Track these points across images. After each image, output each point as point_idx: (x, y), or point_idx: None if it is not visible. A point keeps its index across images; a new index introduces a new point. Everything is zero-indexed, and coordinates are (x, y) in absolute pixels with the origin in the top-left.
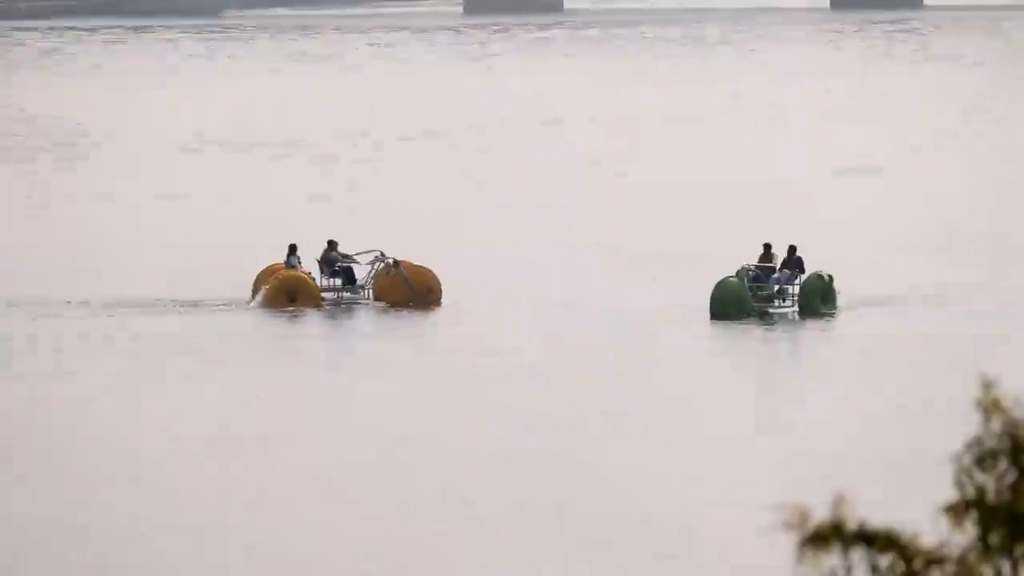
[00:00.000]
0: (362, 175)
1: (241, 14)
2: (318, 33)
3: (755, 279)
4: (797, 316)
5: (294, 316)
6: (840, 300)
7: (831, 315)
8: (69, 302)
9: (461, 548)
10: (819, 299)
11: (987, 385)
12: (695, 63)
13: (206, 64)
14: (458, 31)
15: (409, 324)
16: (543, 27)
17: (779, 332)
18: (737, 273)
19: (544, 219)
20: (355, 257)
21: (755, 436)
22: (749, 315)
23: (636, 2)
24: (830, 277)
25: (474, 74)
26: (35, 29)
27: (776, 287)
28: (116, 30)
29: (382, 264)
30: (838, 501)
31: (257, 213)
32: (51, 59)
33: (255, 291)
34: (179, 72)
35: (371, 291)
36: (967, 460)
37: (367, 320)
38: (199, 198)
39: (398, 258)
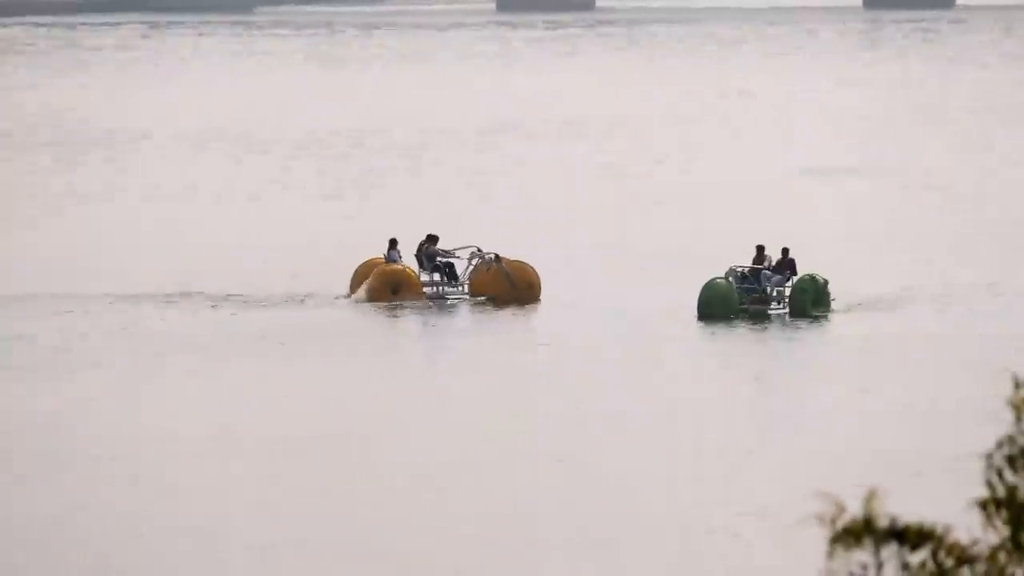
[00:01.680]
0: (406, 172)
1: (273, 10)
2: (343, 30)
3: (745, 280)
4: (788, 318)
5: (396, 310)
6: (835, 303)
7: (823, 317)
8: (167, 296)
9: (459, 550)
10: (810, 301)
11: (1019, 384)
12: (717, 62)
13: (243, 60)
14: (489, 28)
15: (510, 320)
16: (573, 25)
17: (768, 333)
18: (726, 274)
19: (551, 218)
20: (454, 252)
21: (751, 437)
22: (736, 316)
23: (669, 1)
24: (824, 280)
25: (499, 72)
26: (60, 25)
27: (767, 289)
28: (142, 25)
29: (479, 259)
30: (869, 496)
31: (336, 209)
32: (82, 55)
33: (353, 285)
34: (223, 67)
35: (468, 286)
36: (998, 458)
37: (468, 315)
38: (280, 194)
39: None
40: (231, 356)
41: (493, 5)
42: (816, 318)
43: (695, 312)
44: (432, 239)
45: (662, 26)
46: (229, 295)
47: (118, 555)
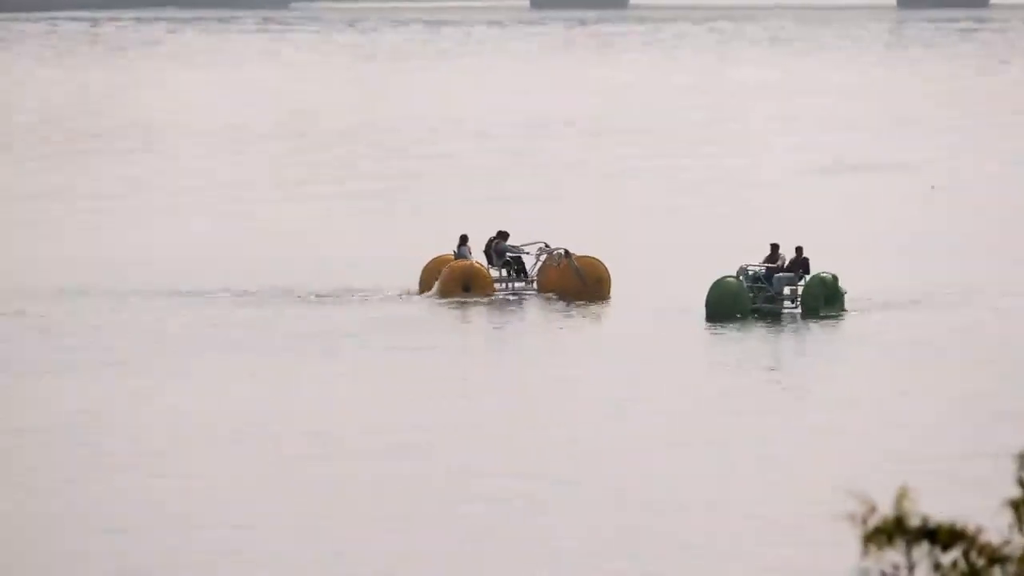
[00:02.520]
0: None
1: (307, 5)
2: (375, 25)
3: (757, 279)
4: (799, 317)
5: (466, 305)
6: (849, 302)
7: (835, 317)
8: (236, 292)
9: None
10: (822, 301)
11: None
12: (745, 59)
13: (281, 55)
14: (522, 25)
15: (579, 315)
16: (607, 21)
17: (779, 333)
18: (737, 273)
19: (575, 214)
20: (523, 248)
21: (770, 438)
22: (746, 316)
23: None
24: (835, 279)
25: (539, 68)
26: (103, 20)
27: (779, 288)
28: (179, 20)
29: (546, 255)
30: (901, 495)
31: (400, 205)
32: (116, 50)
33: (422, 281)
34: (266, 61)
35: (537, 282)
36: None
37: (536, 311)
38: (343, 189)
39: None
40: (301, 353)
41: (527, 2)
42: (828, 318)
43: (704, 312)
44: (502, 235)
45: (693, 23)
46: (298, 292)
47: (158, 550)
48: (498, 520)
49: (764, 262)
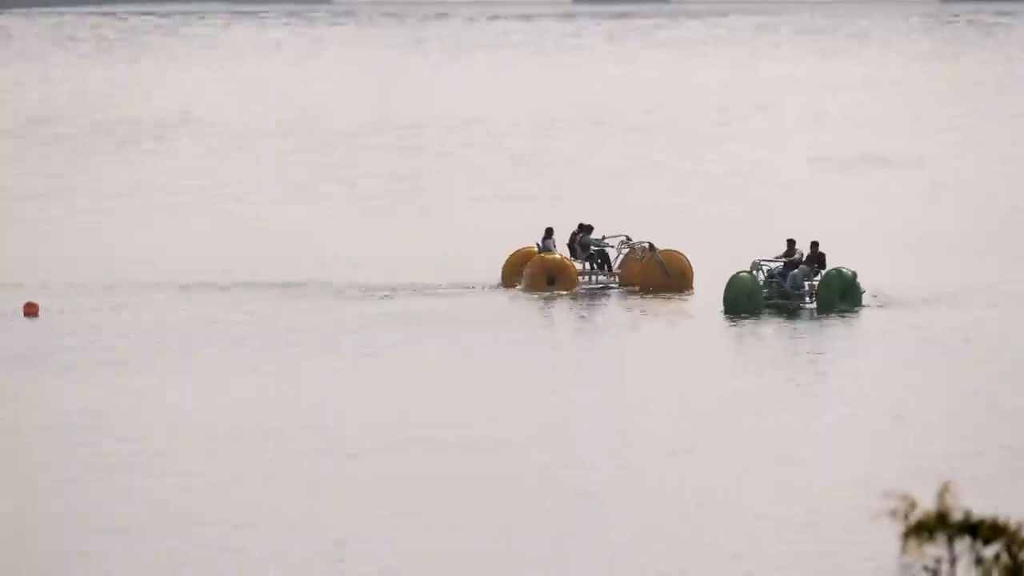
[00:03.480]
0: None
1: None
2: (422, 20)
3: (772, 275)
4: (815, 312)
5: (551, 299)
6: (867, 297)
7: (851, 312)
8: (323, 284)
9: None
10: (838, 295)
11: None
12: (779, 53)
13: (333, 48)
14: (565, 19)
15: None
16: (648, 16)
17: (794, 328)
18: (750, 268)
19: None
20: (606, 241)
21: (782, 432)
22: (761, 310)
23: None
24: (853, 274)
25: (578, 62)
26: (151, 13)
27: (796, 283)
28: (224, 15)
29: (629, 248)
30: (942, 490)
31: (481, 198)
32: (157, 43)
33: (505, 274)
34: (317, 56)
35: (620, 276)
36: None
37: (619, 305)
38: (427, 183)
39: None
40: (388, 345)
41: None
42: (844, 312)
43: (722, 306)
44: (585, 228)
45: (738, 17)
46: (383, 286)
47: (158, 550)
48: (551, 515)
49: (781, 257)
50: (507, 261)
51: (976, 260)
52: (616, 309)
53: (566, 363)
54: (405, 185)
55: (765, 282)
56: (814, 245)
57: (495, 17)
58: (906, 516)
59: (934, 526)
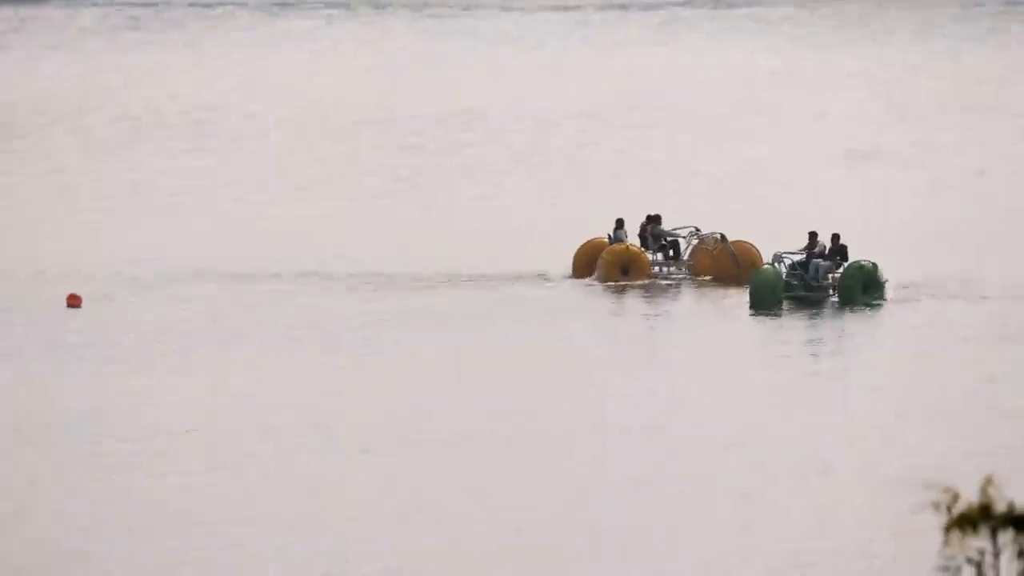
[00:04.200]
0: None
1: None
2: (453, 9)
3: (794, 267)
4: (837, 305)
5: (625, 290)
6: (888, 288)
7: (873, 305)
8: (381, 276)
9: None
10: (860, 288)
11: None
12: (804, 44)
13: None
14: (597, 10)
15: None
16: (672, 6)
17: (816, 320)
18: (771, 260)
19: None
20: (677, 232)
21: (805, 424)
22: (781, 303)
23: None
24: (875, 266)
25: (595, 54)
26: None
27: (817, 275)
28: (255, 9)
29: (698, 239)
30: (985, 483)
31: (548, 188)
32: (186, 37)
33: (576, 265)
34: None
35: (690, 266)
36: None
37: (690, 296)
38: (493, 174)
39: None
40: (453, 335)
41: None
42: (866, 305)
43: (746, 299)
44: (654, 219)
45: (779, 7)
46: (450, 275)
47: (158, 550)
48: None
49: (803, 249)
50: (578, 252)
51: (1002, 253)
52: (684, 299)
53: (604, 353)
54: (456, 179)
55: (788, 273)
56: (835, 238)
57: (516, 9)
58: (949, 509)
59: (977, 519)
